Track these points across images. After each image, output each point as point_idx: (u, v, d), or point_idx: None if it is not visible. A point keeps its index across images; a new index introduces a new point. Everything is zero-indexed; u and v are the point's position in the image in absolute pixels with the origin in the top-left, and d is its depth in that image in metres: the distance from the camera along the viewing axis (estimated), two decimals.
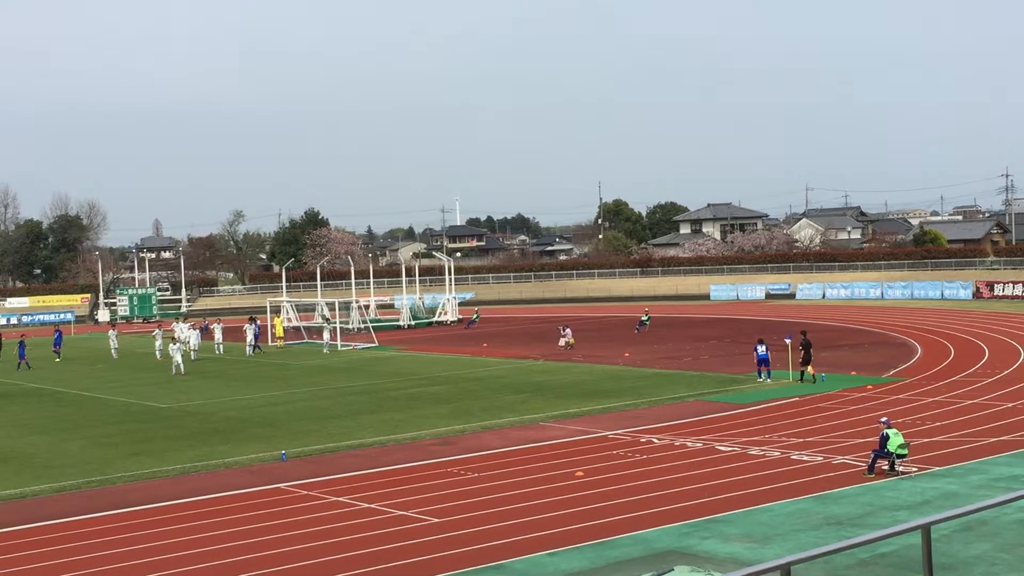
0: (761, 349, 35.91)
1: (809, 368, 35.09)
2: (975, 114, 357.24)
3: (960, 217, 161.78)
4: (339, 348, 55.69)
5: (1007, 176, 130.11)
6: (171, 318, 79.36)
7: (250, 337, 56.19)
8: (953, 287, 78.20)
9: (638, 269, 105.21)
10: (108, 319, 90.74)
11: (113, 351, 56.98)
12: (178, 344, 47.87)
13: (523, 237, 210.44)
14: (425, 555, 16.83)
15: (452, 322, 73.59)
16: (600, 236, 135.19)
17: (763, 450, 24.18)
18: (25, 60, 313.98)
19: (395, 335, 64.77)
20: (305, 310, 71.05)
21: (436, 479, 22.55)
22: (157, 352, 54.74)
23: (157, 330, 58.71)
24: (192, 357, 52.37)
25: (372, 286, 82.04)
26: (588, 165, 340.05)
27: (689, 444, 25.35)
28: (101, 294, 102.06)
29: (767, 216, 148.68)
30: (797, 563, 5.95)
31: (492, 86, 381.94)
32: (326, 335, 56.62)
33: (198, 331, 56.38)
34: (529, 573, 15.73)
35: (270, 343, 59.76)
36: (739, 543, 16.75)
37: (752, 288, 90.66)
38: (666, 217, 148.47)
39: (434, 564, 16.32)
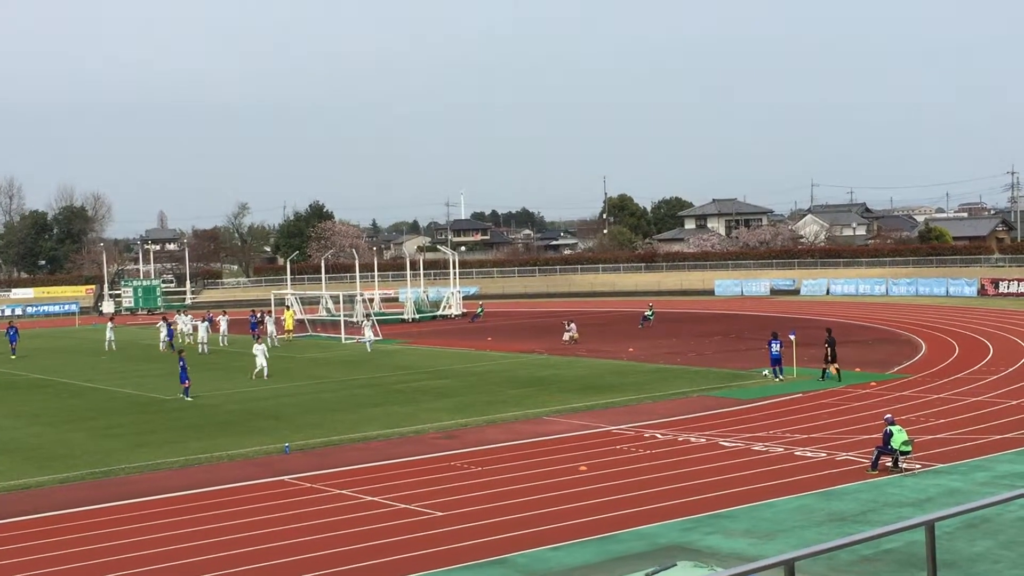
0: (775, 347, 35.27)
1: (832, 367, 34.39)
2: (981, 111, 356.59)
3: (965, 214, 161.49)
4: (344, 341, 55.69)
5: (1013, 173, 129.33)
6: (175, 310, 79.46)
7: (271, 329, 56.17)
8: (958, 284, 78.11)
9: (642, 264, 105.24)
10: (112, 311, 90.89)
11: (107, 343, 56.20)
12: (262, 346, 42.75)
13: (528, 231, 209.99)
14: (428, 548, 16.85)
15: (456, 316, 73.71)
16: (605, 231, 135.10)
17: (766, 446, 24.18)
18: (30, 53, 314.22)
19: (399, 329, 64.81)
20: (309, 303, 71.09)
21: (439, 473, 22.58)
22: (161, 344, 54.77)
23: (162, 322, 58.68)
24: (201, 351, 52.34)
25: (376, 279, 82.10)
26: (593, 159, 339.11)
27: (692, 439, 25.36)
28: (106, 286, 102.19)
29: (772, 212, 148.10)
30: (800, 559, 5.95)
31: (498, 81, 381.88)
32: (368, 332, 53.39)
33: (206, 323, 56.01)
34: (532, 567, 15.75)
35: (277, 335, 59.66)
36: (742, 539, 16.76)
37: (757, 284, 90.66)
38: (671, 212, 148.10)
39: (437, 557, 16.34)
